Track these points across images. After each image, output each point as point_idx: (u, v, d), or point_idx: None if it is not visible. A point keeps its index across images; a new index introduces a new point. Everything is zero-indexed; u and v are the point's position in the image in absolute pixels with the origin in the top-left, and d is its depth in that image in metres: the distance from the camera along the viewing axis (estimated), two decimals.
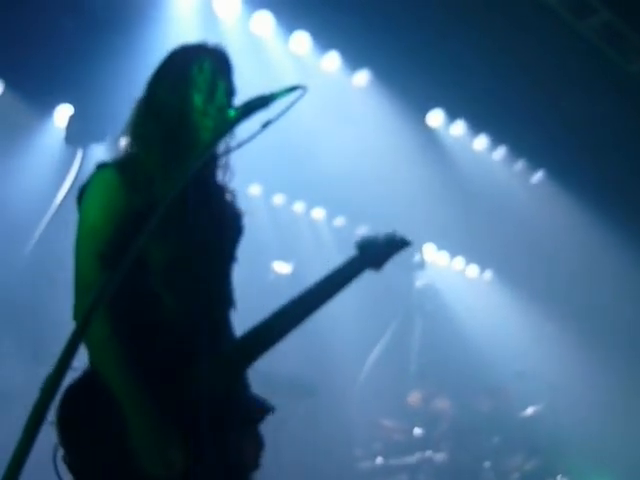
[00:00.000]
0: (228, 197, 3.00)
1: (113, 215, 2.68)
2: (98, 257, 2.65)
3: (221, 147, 2.87)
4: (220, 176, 2.97)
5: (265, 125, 2.51)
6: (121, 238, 2.60)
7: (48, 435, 2.41)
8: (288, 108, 2.50)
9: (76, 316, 2.64)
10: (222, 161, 2.92)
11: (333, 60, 7.02)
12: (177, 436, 2.59)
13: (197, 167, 2.41)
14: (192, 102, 2.82)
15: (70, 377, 2.51)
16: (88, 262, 2.66)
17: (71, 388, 2.63)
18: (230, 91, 2.89)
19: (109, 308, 2.55)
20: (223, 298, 2.89)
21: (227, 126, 2.52)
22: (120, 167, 2.78)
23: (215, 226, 2.88)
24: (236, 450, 2.77)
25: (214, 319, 2.79)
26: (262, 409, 2.87)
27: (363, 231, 8.06)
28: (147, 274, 2.68)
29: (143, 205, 2.63)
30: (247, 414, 2.83)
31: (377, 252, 3.11)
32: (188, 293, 2.70)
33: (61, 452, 2.61)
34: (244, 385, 2.90)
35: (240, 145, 2.64)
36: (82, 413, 2.63)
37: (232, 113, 2.51)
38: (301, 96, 2.49)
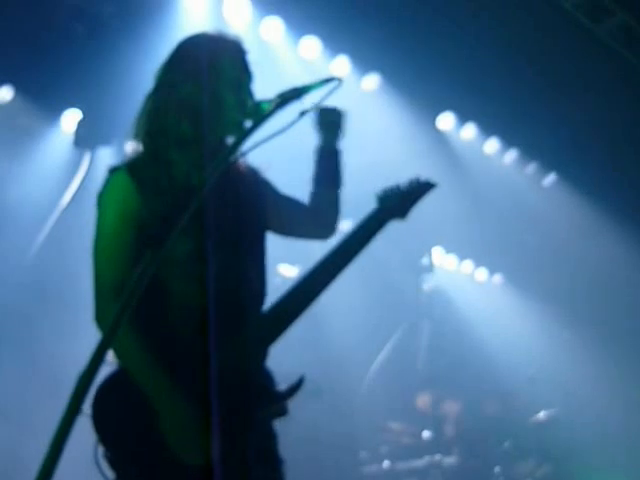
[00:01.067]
0: (250, 186, 2.95)
1: (129, 218, 2.68)
2: (116, 260, 2.66)
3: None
4: (244, 167, 2.96)
5: (301, 114, 2.53)
6: (139, 239, 2.64)
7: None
8: (322, 99, 2.54)
9: (98, 318, 2.66)
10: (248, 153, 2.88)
11: (343, 64, 6.98)
12: (205, 422, 2.56)
13: (229, 161, 2.47)
14: (220, 95, 2.77)
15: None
16: (107, 266, 2.67)
17: (103, 384, 2.66)
18: (250, 83, 2.87)
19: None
20: (249, 284, 2.83)
21: (261, 118, 2.50)
22: (132, 168, 2.75)
23: (236, 215, 2.83)
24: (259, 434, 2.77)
25: (240, 305, 2.76)
26: (285, 394, 2.83)
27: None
28: (168, 265, 2.65)
29: (159, 204, 2.64)
30: (268, 399, 2.81)
31: (400, 200, 3.10)
32: (209, 282, 2.66)
33: (101, 449, 2.64)
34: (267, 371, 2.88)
35: (273, 137, 2.54)
36: (116, 408, 2.66)
37: (265, 105, 2.53)
38: (336, 87, 2.52)
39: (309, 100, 2.54)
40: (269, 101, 2.55)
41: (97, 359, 1.98)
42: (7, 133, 6.32)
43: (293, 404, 2.86)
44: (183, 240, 2.63)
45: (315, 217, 3.15)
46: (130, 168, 2.76)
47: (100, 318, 2.66)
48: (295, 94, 2.52)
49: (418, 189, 3.15)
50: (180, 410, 2.60)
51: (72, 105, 6.51)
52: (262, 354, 2.85)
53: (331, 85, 2.54)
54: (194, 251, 2.67)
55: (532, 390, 8.43)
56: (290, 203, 3.15)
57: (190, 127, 2.77)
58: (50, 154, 6.65)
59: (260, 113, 2.54)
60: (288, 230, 3.17)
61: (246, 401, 2.70)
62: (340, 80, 2.55)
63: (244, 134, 2.48)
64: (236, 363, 2.68)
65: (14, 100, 6.26)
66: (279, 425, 2.92)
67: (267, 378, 2.87)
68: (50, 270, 6.45)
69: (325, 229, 3.21)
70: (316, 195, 3.16)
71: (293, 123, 2.48)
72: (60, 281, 6.31)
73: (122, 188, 2.71)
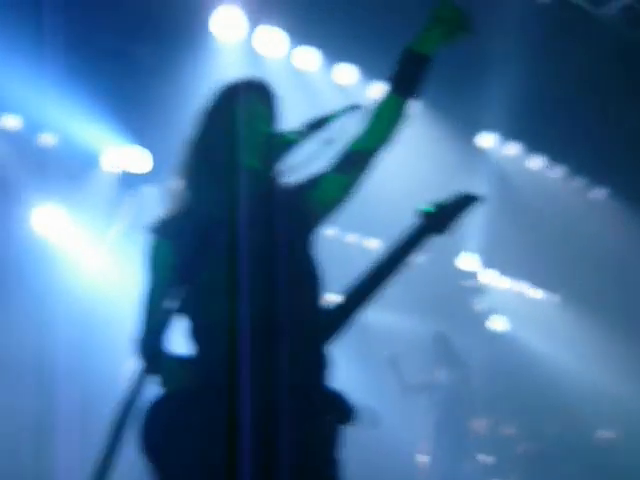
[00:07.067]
0: (287, 206, 2.87)
1: (168, 274, 2.79)
2: (155, 308, 2.81)
3: (281, 167, 2.81)
4: (279, 189, 2.91)
5: (327, 143, 2.58)
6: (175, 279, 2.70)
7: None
8: (346, 126, 2.60)
9: (140, 350, 2.79)
10: (282, 180, 2.86)
11: (380, 90, 6.93)
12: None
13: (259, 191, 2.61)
14: (242, 138, 2.80)
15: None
16: (147, 313, 2.85)
17: (152, 409, 2.71)
18: (278, 121, 2.88)
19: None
20: (298, 289, 2.79)
21: (287, 147, 2.60)
22: (166, 226, 2.87)
23: (271, 239, 2.79)
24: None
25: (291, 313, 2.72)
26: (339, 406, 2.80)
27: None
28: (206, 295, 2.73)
29: (190, 246, 2.71)
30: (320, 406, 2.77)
31: (441, 215, 3.03)
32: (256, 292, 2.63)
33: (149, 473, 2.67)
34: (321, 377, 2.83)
35: (303, 164, 2.63)
36: (166, 432, 2.69)
37: (293, 135, 2.62)
38: (358, 115, 2.60)
39: (334, 128, 2.59)
40: (295, 131, 2.63)
41: (137, 386, 2.14)
42: (52, 175, 6.40)
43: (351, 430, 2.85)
44: (217, 273, 2.67)
45: (378, 123, 2.83)
46: (166, 227, 2.88)
47: (140, 352, 2.81)
48: (321, 123, 2.61)
49: (462, 203, 3.08)
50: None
51: (113, 144, 6.56)
52: (312, 368, 2.81)
53: (355, 112, 2.60)
54: (228, 281, 2.66)
55: (592, 409, 8.26)
56: (331, 173, 2.91)
57: (214, 170, 2.83)
58: (94, 194, 6.72)
59: (288, 143, 2.63)
60: (348, 188, 2.90)
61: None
62: (362, 107, 2.61)
63: (272, 164, 2.59)
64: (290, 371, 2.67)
65: (59, 144, 6.35)
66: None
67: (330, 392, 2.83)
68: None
69: (385, 137, 2.86)
70: (387, 103, 2.82)
71: (319, 151, 2.54)
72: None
73: (161, 250, 2.85)
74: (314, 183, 2.90)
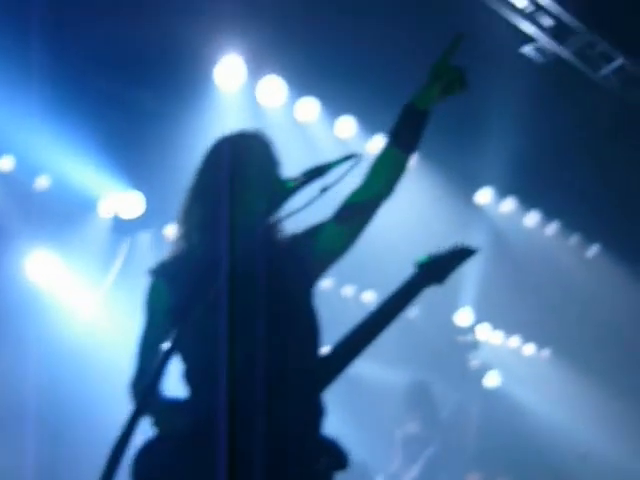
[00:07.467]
0: (283, 257, 2.90)
1: (166, 317, 2.87)
2: (149, 350, 2.90)
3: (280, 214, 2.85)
4: (276, 238, 2.94)
5: (323, 190, 2.61)
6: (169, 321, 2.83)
7: None
8: (344, 175, 2.62)
9: (131, 390, 2.88)
10: (277, 229, 2.92)
11: (379, 143, 6.98)
12: None
13: (255, 238, 2.67)
14: (236, 189, 2.85)
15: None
16: (141, 355, 2.93)
17: (142, 450, 2.78)
18: (276, 170, 2.92)
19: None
20: (286, 347, 2.81)
21: (286, 196, 2.67)
22: (165, 269, 2.94)
23: (266, 289, 2.79)
24: None
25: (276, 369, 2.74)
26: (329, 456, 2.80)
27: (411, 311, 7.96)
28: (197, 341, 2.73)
29: (187, 288, 2.79)
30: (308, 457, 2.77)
31: (438, 266, 3.09)
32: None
33: None
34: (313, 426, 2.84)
35: (297, 212, 2.67)
36: (157, 474, 2.75)
37: (290, 183, 2.68)
38: (356, 164, 2.64)
39: (331, 177, 2.64)
40: (294, 179, 2.69)
41: (130, 428, 2.19)
42: (46, 220, 6.34)
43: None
44: (211, 317, 2.59)
45: (377, 176, 2.89)
46: (164, 269, 2.95)
47: (134, 395, 2.88)
48: (318, 172, 2.67)
49: (458, 255, 3.16)
50: None
51: (110, 190, 6.54)
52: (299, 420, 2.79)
53: (352, 162, 2.65)
54: (222, 326, 2.61)
55: (584, 468, 8.19)
56: (331, 224, 2.95)
57: (211, 218, 2.86)
58: (89, 240, 6.68)
59: (285, 191, 2.69)
60: (348, 239, 2.95)
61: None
62: (360, 157, 2.65)
63: (270, 211, 2.67)
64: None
65: (52, 187, 6.30)
66: None
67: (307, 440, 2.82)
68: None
69: (385, 190, 2.91)
70: (387, 155, 2.90)
71: (315, 199, 2.57)
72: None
73: (159, 292, 2.92)
74: (314, 234, 2.92)
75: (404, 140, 2.87)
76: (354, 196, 2.88)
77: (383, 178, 2.87)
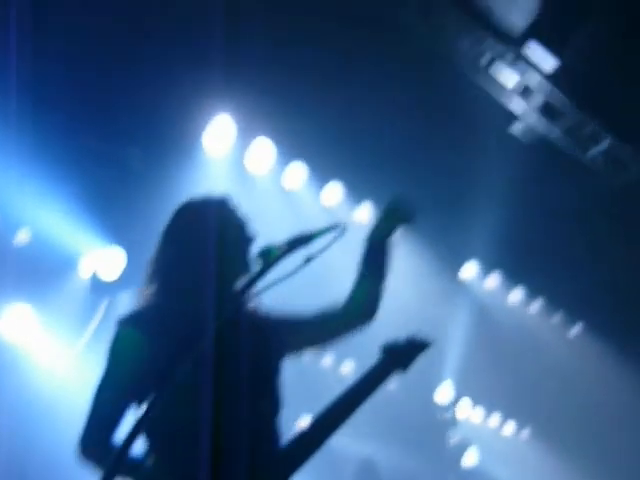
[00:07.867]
0: (259, 330, 2.95)
1: (131, 366, 2.79)
2: (111, 399, 2.77)
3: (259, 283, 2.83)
4: (254, 311, 2.98)
5: (307, 260, 2.64)
6: (143, 376, 2.75)
7: None
8: (329, 245, 2.66)
9: (82, 446, 2.72)
10: (257, 298, 2.92)
11: (366, 211, 6.97)
12: None
13: (236, 306, 2.68)
14: (220, 252, 2.86)
15: None
16: (101, 403, 2.78)
17: None
18: (244, 236, 2.96)
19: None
20: (261, 414, 2.84)
21: (269, 264, 2.62)
22: (138, 319, 2.87)
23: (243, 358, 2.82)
24: None
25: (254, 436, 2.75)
26: None
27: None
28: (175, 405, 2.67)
29: (163, 347, 2.75)
30: None
31: (401, 354, 3.12)
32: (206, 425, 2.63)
33: None
34: None
35: (279, 282, 2.62)
36: None
37: (274, 251, 2.64)
38: (341, 234, 2.69)
39: (315, 246, 2.66)
40: (277, 247, 2.66)
41: None
42: (24, 275, 6.25)
43: None
44: (189, 382, 2.59)
45: (357, 306, 3.17)
46: (136, 319, 2.88)
47: (84, 446, 2.74)
48: (302, 240, 2.67)
49: (415, 347, 3.16)
50: None
51: (92, 249, 6.47)
52: None
53: (337, 232, 2.69)
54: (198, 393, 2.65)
55: None
56: (312, 318, 3.15)
57: (192, 280, 2.87)
58: (67, 299, 6.59)
59: (268, 259, 2.65)
60: (323, 339, 3.20)
61: None
62: (345, 227, 2.70)
63: (252, 280, 2.60)
64: None
65: (32, 243, 6.22)
66: None
67: None
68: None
69: (365, 317, 3.21)
70: (363, 285, 3.17)
71: (299, 268, 2.59)
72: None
73: (128, 341, 2.84)
74: (294, 327, 3.07)
75: (371, 269, 3.15)
76: (337, 313, 3.10)
77: (362, 304, 3.14)
